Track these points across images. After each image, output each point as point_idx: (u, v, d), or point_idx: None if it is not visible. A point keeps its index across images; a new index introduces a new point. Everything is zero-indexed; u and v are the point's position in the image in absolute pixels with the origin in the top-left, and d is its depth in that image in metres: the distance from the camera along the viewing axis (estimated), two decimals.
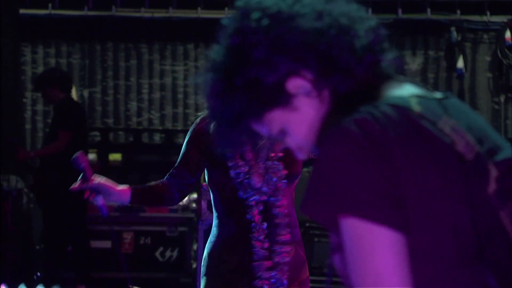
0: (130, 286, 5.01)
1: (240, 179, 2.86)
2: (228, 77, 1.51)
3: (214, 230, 2.90)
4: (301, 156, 1.58)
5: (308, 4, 1.50)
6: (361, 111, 1.41)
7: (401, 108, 1.42)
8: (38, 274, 6.95)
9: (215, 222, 2.91)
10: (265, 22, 1.48)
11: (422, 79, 8.58)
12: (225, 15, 8.24)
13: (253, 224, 2.86)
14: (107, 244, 7.07)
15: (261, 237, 2.86)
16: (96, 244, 6.93)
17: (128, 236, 7.09)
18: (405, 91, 1.49)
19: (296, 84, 1.49)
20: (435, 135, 1.40)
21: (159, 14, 8.38)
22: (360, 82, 1.48)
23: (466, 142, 1.43)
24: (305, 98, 1.50)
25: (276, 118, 1.52)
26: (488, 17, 8.44)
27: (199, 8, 8.26)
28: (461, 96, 8.58)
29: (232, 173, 2.86)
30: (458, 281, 1.39)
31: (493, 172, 1.44)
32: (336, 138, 1.39)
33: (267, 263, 2.86)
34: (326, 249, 6.29)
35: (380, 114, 1.40)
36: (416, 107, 1.43)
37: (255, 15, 1.50)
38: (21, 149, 6.70)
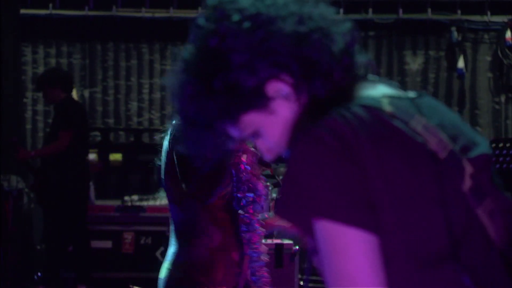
0: (131, 286, 5.01)
1: (243, 186, 2.87)
2: (204, 80, 1.47)
3: (191, 240, 2.88)
4: (269, 157, 1.57)
5: (284, 6, 1.48)
6: (331, 114, 1.40)
7: (373, 109, 1.41)
8: (39, 274, 6.95)
9: (194, 232, 2.89)
10: (246, 25, 1.45)
11: (422, 79, 8.58)
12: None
13: (246, 229, 2.91)
14: (107, 244, 7.07)
15: (257, 241, 2.95)
16: (97, 244, 6.93)
17: (128, 236, 7.08)
18: (378, 91, 1.48)
19: (276, 88, 1.47)
20: (407, 134, 1.40)
21: (159, 14, 8.38)
22: (337, 85, 1.47)
23: (439, 140, 1.42)
24: (283, 101, 1.48)
25: (252, 121, 1.50)
26: (488, 17, 8.43)
27: (199, 8, 8.26)
28: (461, 96, 8.58)
29: (243, 177, 2.89)
30: (432, 281, 1.38)
31: (468, 169, 1.43)
32: (307, 141, 1.39)
33: (261, 262, 2.94)
34: None
35: (351, 115, 1.39)
36: (387, 107, 1.42)
37: (235, 17, 1.46)
38: (21, 149, 6.71)
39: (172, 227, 2.94)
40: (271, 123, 1.49)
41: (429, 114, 1.45)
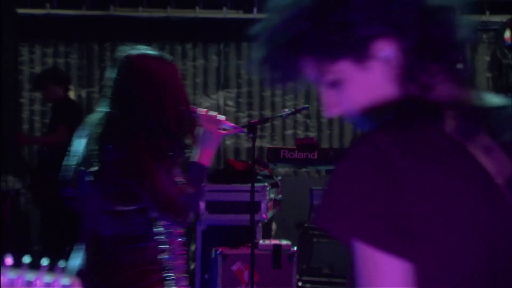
0: None
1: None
2: (323, 10, 1.42)
3: (138, 244, 2.92)
4: (331, 113, 1.51)
5: None
6: (390, 129, 1.36)
7: (432, 125, 1.37)
8: None
9: (142, 237, 2.92)
10: None
11: None
12: (223, 15, 8.24)
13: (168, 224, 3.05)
14: None
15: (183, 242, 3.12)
16: None
17: None
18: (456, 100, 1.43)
19: (383, 47, 1.42)
20: (461, 157, 1.36)
21: (157, 13, 8.36)
22: (435, 75, 1.42)
23: (499, 163, 1.38)
24: (382, 64, 1.43)
25: (342, 69, 1.44)
26: (487, 17, 8.42)
27: (197, 8, 8.24)
28: None
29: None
30: None
31: None
32: (357, 157, 1.36)
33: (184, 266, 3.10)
34: (325, 250, 6.27)
35: (404, 133, 1.36)
36: (451, 122, 1.38)
37: None
38: (20, 135, 6.91)
39: (88, 235, 2.95)
40: (359, 80, 1.44)
41: (503, 129, 1.41)
